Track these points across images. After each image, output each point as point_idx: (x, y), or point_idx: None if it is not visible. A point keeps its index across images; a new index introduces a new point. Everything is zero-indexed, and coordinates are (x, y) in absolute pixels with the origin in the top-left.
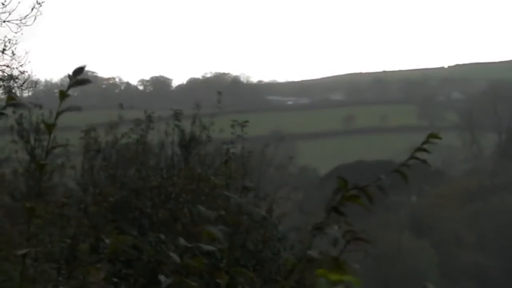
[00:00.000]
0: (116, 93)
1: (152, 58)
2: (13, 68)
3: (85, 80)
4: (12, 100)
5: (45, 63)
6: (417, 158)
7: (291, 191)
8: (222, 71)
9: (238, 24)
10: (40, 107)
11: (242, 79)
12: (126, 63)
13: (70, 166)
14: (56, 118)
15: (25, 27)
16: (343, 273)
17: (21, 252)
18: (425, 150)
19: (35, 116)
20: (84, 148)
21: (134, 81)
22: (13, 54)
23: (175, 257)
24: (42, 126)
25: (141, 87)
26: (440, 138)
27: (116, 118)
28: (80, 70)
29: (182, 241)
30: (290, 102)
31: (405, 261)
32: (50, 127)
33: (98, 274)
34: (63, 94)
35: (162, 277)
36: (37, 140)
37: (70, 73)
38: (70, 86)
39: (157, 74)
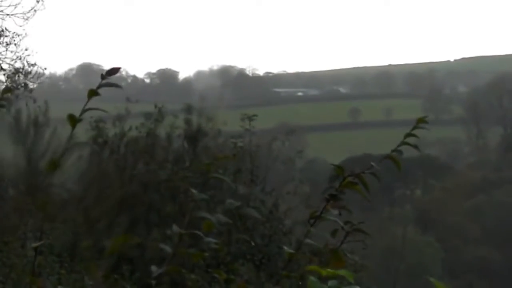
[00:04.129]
0: (123, 86)
1: (158, 51)
2: (22, 59)
3: (115, 84)
4: (9, 91)
5: (49, 56)
6: (408, 144)
7: (298, 185)
8: (228, 64)
9: (244, 17)
10: (34, 101)
11: (248, 72)
12: (132, 56)
13: (78, 156)
14: (81, 114)
15: (29, 20)
16: (341, 265)
17: (34, 245)
18: (414, 136)
19: (33, 110)
20: (92, 140)
21: (140, 74)
22: (16, 46)
23: (166, 248)
24: (40, 119)
25: (147, 80)
26: (427, 122)
27: (123, 111)
28: (115, 71)
29: (175, 228)
30: (300, 93)
31: (410, 255)
32: (74, 121)
33: (98, 272)
34: (92, 93)
35: (153, 267)
36: (37, 133)
37: (104, 72)
38: (101, 85)
39: (164, 67)
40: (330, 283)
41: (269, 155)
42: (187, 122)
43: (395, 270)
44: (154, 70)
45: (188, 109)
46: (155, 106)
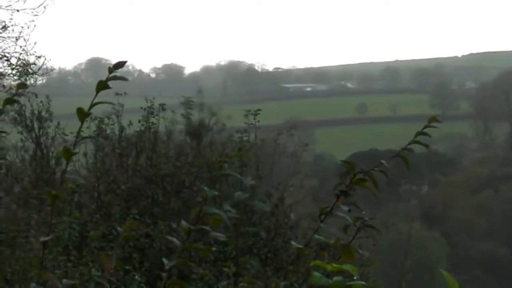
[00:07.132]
0: (130, 81)
1: (165, 46)
2: (29, 54)
3: (122, 77)
4: (23, 87)
5: (59, 51)
6: (419, 143)
7: (304, 178)
8: (237, 59)
9: (253, 12)
10: (36, 95)
11: (256, 67)
12: (139, 50)
13: (82, 153)
14: (90, 108)
15: (39, 16)
16: (352, 260)
17: (43, 239)
18: (426, 134)
19: (35, 104)
20: (96, 135)
21: (146, 69)
22: (25, 40)
23: (174, 241)
24: (44, 114)
25: (153, 75)
26: (440, 121)
27: (125, 107)
28: (121, 64)
29: (184, 223)
30: (308, 89)
31: (416, 250)
32: (83, 116)
33: (110, 262)
34: (101, 86)
35: (165, 260)
36: (41, 128)
37: (111, 65)
38: (109, 79)
39: (169, 62)
40: (335, 278)
41: (274, 149)
42: (186, 116)
43: (401, 266)
44: (160, 65)
45: (187, 103)
46: (146, 100)
